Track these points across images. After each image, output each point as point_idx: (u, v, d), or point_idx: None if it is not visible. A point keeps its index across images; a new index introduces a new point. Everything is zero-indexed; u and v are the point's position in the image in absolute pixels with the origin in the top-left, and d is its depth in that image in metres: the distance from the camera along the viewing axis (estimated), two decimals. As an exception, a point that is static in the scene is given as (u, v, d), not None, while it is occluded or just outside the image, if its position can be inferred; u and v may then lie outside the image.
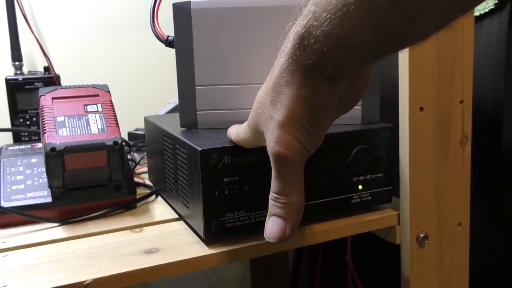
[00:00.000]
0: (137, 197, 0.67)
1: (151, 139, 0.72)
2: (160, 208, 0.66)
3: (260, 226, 0.54)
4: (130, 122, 0.95)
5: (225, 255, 0.52)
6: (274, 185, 0.42)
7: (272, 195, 0.42)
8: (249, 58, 0.59)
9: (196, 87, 0.60)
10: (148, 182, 0.76)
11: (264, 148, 0.51)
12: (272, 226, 0.42)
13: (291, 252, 1.18)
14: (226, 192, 0.52)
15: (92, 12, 0.99)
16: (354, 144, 0.57)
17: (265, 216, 0.54)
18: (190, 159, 0.54)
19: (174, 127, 0.62)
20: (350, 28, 0.32)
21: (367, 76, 0.43)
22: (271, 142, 0.40)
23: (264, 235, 0.43)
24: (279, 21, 0.58)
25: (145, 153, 0.88)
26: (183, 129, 0.62)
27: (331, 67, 0.37)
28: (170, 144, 0.61)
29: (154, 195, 0.71)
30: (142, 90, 1.05)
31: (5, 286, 0.45)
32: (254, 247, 0.53)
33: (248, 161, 0.53)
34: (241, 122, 0.60)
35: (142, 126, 0.97)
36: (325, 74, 0.37)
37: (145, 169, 0.84)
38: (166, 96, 1.00)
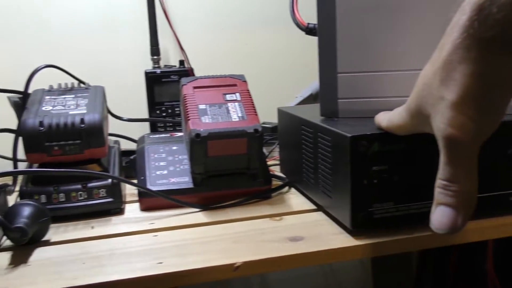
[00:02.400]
0: (272, 187, 0.67)
1: (286, 130, 0.71)
2: (295, 199, 0.65)
3: (409, 219, 0.51)
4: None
5: (373, 247, 0.50)
6: (443, 171, 0.38)
7: (440, 182, 0.39)
8: (396, 43, 0.56)
9: (338, 75, 0.58)
10: (278, 173, 0.76)
11: (417, 136, 0.48)
12: (441, 216, 0.38)
13: (415, 255, 1.12)
14: (375, 181, 0.50)
15: (221, 9, 1.01)
16: (516, 134, 0.52)
17: (415, 209, 0.51)
18: (335, 146, 0.52)
19: (312, 116, 0.61)
20: None
21: None
22: (442, 124, 0.37)
23: (431, 226, 0.40)
24: (433, 3, 0.55)
25: (273, 146, 0.88)
26: (323, 118, 0.60)
27: None
28: (310, 133, 0.59)
29: (287, 187, 0.70)
30: (268, 84, 1.06)
31: (160, 262, 0.47)
32: (403, 241, 0.50)
33: (399, 149, 0.50)
34: (386, 110, 0.58)
35: (268, 119, 0.98)
36: (507, 48, 0.34)
37: (273, 162, 0.83)
38: (292, 89, 0.99)
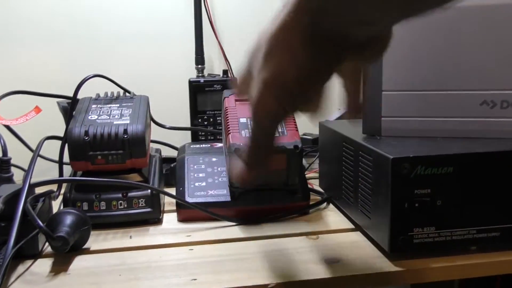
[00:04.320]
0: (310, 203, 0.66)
1: (327, 145, 0.70)
2: (333, 216, 0.64)
3: (451, 245, 0.50)
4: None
5: (411, 274, 0.48)
6: None
7: None
8: (445, 62, 0.54)
9: (383, 93, 0.57)
10: (317, 187, 0.75)
11: (462, 160, 0.47)
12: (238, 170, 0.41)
13: (457, 281, 1.08)
14: (417, 204, 0.48)
15: (266, 20, 1.01)
16: None
17: (458, 235, 0.50)
18: (377, 167, 0.51)
19: (354, 133, 0.60)
20: None
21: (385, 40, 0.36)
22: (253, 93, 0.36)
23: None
24: (485, 21, 0.53)
25: (314, 158, 0.87)
26: (365, 135, 0.59)
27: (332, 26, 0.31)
28: (351, 151, 0.58)
29: (325, 202, 0.69)
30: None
31: (195, 279, 0.47)
32: (444, 269, 0.49)
33: (444, 173, 0.48)
34: (430, 131, 0.56)
35: (309, 131, 0.97)
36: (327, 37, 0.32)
37: (313, 174, 0.83)
38: (334, 102, 0.98)
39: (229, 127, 0.62)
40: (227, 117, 0.64)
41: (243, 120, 0.63)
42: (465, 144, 0.52)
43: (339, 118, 0.89)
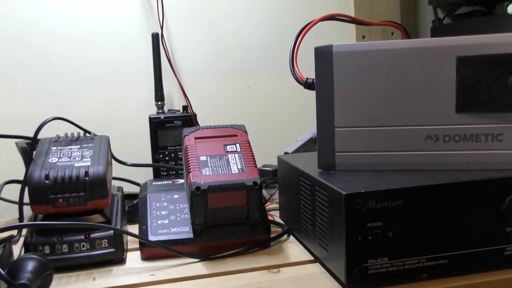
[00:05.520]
0: (271, 235, 0.68)
1: (285, 178, 0.73)
2: (293, 248, 0.66)
3: (404, 274, 0.52)
4: (257, 158, 0.97)
5: (368, 303, 0.51)
6: None
7: None
8: (391, 100, 0.58)
9: (336, 129, 0.60)
10: (277, 219, 0.77)
11: (410, 192, 0.49)
12: None
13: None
14: (370, 237, 0.51)
15: (224, 54, 1.04)
16: (508, 191, 0.53)
17: (410, 264, 0.52)
18: (332, 202, 0.53)
19: (310, 168, 0.63)
20: None
21: None
22: None
23: None
24: (425, 63, 0.57)
25: (275, 190, 0.90)
26: (320, 170, 0.62)
27: None
28: (308, 185, 0.61)
29: (286, 235, 0.71)
30: (271, 125, 1.08)
31: (159, 320, 0.48)
32: (398, 297, 0.51)
33: (393, 206, 0.51)
34: (381, 164, 0.59)
35: (269, 162, 0.99)
36: None
37: (274, 205, 0.85)
38: (293, 133, 1.01)
39: (189, 166, 0.64)
40: (188, 155, 0.65)
41: (203, 158, 0.65)
42: (412, 178, 0.55)
43: (297, 149, 0.91)
